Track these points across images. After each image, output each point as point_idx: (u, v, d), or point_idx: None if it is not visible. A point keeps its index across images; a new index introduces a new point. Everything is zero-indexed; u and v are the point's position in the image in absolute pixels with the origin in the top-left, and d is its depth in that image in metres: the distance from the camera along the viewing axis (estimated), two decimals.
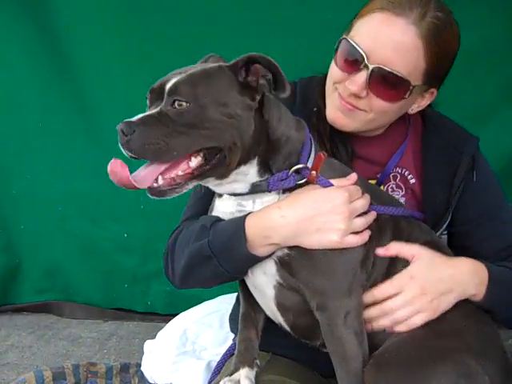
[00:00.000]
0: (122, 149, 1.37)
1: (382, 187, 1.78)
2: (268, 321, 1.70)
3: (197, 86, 1.40)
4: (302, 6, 3.01)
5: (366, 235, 1.50)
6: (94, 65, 3.27)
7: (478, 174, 1.78)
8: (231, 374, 1.60)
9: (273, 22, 3.01)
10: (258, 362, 1.64)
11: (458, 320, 1.55)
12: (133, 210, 3.43)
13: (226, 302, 2.80)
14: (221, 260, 1.53)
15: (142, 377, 2.63)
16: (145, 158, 1.37)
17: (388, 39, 1.57)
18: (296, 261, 1.49)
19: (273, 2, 3.06)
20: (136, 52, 3.20)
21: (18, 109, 3.46)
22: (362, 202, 1.52)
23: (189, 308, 2.94)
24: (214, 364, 2.30)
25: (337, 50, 1.66)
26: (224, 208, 1.57)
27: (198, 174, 1.42)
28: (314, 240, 1.47)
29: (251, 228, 1.49)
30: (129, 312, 3.62)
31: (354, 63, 1.61)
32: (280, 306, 1.58)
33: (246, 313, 1.71)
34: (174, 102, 1.39)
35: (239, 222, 1.50)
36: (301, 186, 1.51)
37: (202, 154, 1.41)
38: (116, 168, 1.37)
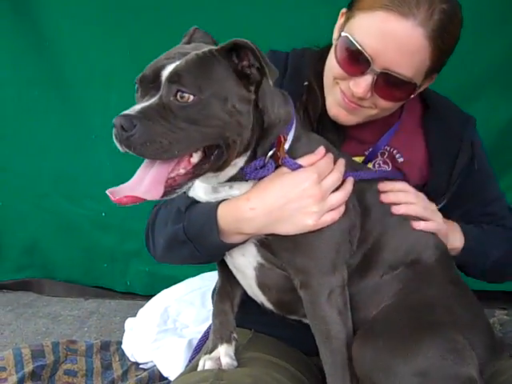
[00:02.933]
0: (118, 145, 1.26)
1: (369, 164, 1.77)
2: (249, 298, 1.69)
3: (199, 76, 1.30)
4: None
5: (342, 208, 1.49)
6: (71, 38, 3.19)
7: (478, 161, 1.81)
8: (210, 352, 1.59)
9: None
10: (235, 335, 1.63)
11: (446, 290, 1.56)
12: (110, 187, 3.38)
13: (207, 279, 2.80)
14: (196, 245, 1.52)
15: (122, 355, 2.63)
16: (145, 156, 1.27)
17: (395, 42, 1.51)
18: (275, 243, 1.48)
19: None
20: (113, 25, 3.12)
21: None
22: (334, 177, 1.50)
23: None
24: (195, 342, 2.31)
25: (337, 45, 1.60)
26: (199, 193, 1.53)
27: (198, 172, 1.35)
28: (289, 227, 1.45)
29: (223, 219, 1.47)
30: (110, 290, 3.60)
31: (359, 66, 1.56)
32: (262, 285, 1.57)
33: (222, 287, 1.71)
34: (176, 92, 1.28)
35: (211, 212, 1.48)
36: None
37: (202, 149, 1.34)
38: (116, 195, 1.28)
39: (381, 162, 1.79)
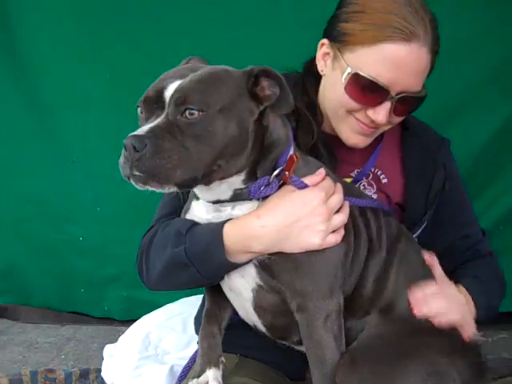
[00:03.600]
0: (122, 168, 1.27)
1: None
2: (237, 322, 1.69)
3: (208, 93, 1.32)
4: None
5: (342, 231, 1.50)
6: (50, 62, 3.16)
7: (450, 183, 1.84)
8: (198, 376, 1.57)
9: (237, 16, 2.97)
10: (223, 359, 1.61)
11: None
12: (89, 212, 3.36)
13: (188, 305, 2.78)
14: (198, 267, 1.51)
15: (102, 383, 2.57)
16: (154, 177, 1.26)
17: (407, 68, 1.58)
18: (277, 263, 1.48)
19: None
20: (91, 48, 3.10)
21: None
22: (338, 197, 1.52)
23: (146, 314, 2.89)
24: (177, 368, 2.29)
25: (348, 83, 1.63)
26: (200, 213, 1.55)
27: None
28: (296, 245, 1.46)
29: (230, 237, 1.46)
30: (86, 316, 3.54)
31: (377, 97, 1.62)
32: (258, 307, 1.57)
33: (210, 309, 1.69)
34: (184, 110, 1.30)
35: (217, 231, 1.47)
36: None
37: None
38: None
39: (366, 184, 1.82)
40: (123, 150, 1.27)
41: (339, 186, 1.55)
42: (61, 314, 3.54)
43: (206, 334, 1.64)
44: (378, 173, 1.82)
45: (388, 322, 1.54)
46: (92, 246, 3.41)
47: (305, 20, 2.76)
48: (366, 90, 1.61)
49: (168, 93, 1.32)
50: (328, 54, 1.70)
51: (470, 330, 1.62)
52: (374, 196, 1.79)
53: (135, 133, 1.27)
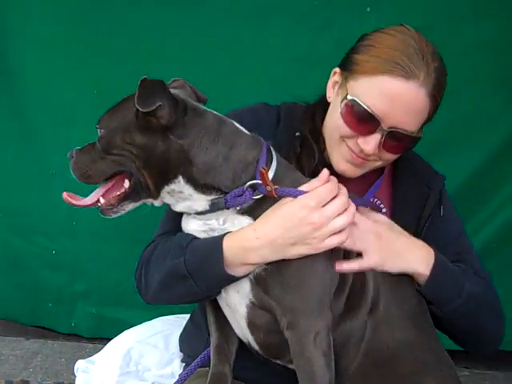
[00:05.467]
0: None
1: None
2: None
3: (112, 113, 1.54)
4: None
5: (345, 232, 1.53)
6: (35, 72, 3.15)
7: (444, 209, 1.87)
8: None
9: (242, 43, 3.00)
10: None
11: (415, 339, 1.62)
12: (64, 226, 3.33)
13: (168, 322, 2.75)
14: (196, 279, 1.54)
15: None
16: (79, 180, 1.55)
17: (401, 104, 1.61)
18: (271, 276, 1.52)
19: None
20: (75, 58, 3.10)
21: None
22: (339, 201, 1.53)
23: (115, 333, 2.84)
24: None
25: (343, 107, 1.67)
26: (190, 226, 1.60)
27: (125, 195, 1.53)
28: (294, 252, 1.50)
29: (229, 249, 1.51)
30: (51, 331, 3.49)
31: (369, 126, 1.65)
32: (251, 324, 1.60)
33: (220, 345, 1.72)
34: (99, 129, 1.54)
35: (216, 243, 1.52)
36: (272, 200, 1.53)
37: (128, 177, 1.54)
38: (69, 199, 1.60)
39: None
40: None
41: (343, 190, 1.57)
42: (25, 328, 3.49)
43: (217, 371, 1.69)
44: (378, 202, 1.87)
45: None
46: (64, 260, 3.37)
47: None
48: (359, 117, 1.65)
49: None
50: (337, 82, 1.76)
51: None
52: None
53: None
